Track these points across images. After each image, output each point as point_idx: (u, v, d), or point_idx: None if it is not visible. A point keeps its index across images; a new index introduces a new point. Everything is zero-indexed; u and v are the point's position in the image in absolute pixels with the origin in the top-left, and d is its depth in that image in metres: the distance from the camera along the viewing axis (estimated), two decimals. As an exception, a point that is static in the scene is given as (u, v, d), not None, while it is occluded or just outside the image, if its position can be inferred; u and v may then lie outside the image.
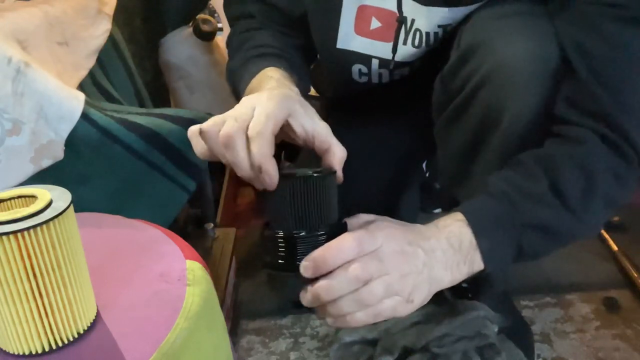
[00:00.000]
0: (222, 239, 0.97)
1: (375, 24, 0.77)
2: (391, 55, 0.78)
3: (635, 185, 0.65)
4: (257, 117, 0.53)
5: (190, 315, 0.43)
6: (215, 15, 1.24)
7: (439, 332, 0.78)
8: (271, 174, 0.52)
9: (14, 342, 0.39)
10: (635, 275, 1.02)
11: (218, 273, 0.89)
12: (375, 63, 0.81)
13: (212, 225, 0.96)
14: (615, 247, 1.10)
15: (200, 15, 1.16)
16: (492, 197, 0.62)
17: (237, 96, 0.75)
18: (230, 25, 0.86)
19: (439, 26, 0.75)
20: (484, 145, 0.70)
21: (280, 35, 0.81)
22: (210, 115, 0.81)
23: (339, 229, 0.55)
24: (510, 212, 0.61)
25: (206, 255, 0.93)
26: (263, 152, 0.52)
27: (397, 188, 0.96)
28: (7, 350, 0.40)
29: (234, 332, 0.94)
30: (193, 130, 0.57)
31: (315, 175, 0.53)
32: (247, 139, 0.53)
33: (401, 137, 0.92)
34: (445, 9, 0.73)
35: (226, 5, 0.87)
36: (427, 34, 0.75)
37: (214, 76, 1.17)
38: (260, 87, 0.66)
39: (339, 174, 0.57)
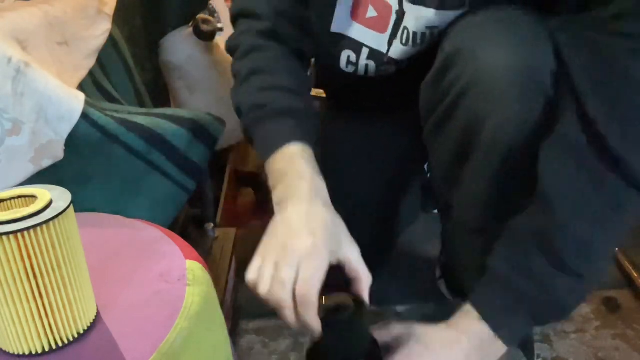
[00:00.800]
0: (222, 239, 0.97)
1: (371, 12, 0.77)
2: (386, 48, 0.78)
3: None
4: (305, 281, 0.59)
5: (190, 315, 0.43)
6: (215, 15, 1.24)
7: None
8: (315, 331, 0.60)
9: (14, 342, 0.39)
10: (635, 275, 1.02)
11: (218, 273, 0.89)
12: (365, 52, 0.80)
13: (212, 225, 0.96)
14: (615, 247, 1.10)
15: (200, 15, 1.16)
16: (498, 284, 0.66)
17: (251, 143, 0.77)
18: (233, 20, 0.84)
19: (427, 27, 0.74)
20: (470, 153, 0.70)
21: (287, 55, 0.79)
22: (211, 115, 0.82)
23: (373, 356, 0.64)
24: (519, 298, 0.65)
25: (206, 255, 0.93)
26: (309, 317, 0.59)
27: (397, 188, 0.96)
28: (7, 350, 0.40)
29: (234, 332, 0.94)
30: (249, 283, 0.64)
31: (351, 319, 0.62)
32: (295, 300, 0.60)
33: (402, 139, 0.92)
34: (432, 11, 0.72)
35: None
36: (415, 33, 0.75)
37: (214, 76, 1.17)
38: (291, 187, 0.68)
39: (366, 300, 0.63)
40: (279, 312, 0.61)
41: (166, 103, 1.20)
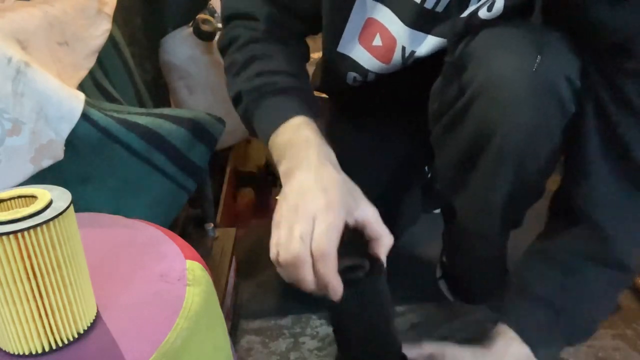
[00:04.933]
0: (222, 239, 0.97)
1: (377, 41, 0.76)
2: (388, 72, 0.78)
3: None
4: (320, 235, 0.56)
5: (190, 315, 0.43)
6: (215, 15, 1.24)
7: (438, 334, 0.79)
8: (336, 290, 0.57)
9: (14, 342, 0.39)
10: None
11: (218, 273, 0.89)
12: (371, 76, 0.80)
13: (212, 225, 0.96)
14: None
15: (200, 15, 1.16)
16: (536, 304, 0.68)
17: (252, 130, 0.75)
18: (225, 20, 0.81)
19: (433, 52, 0.75)
20: (479, 158, 0.69)
21: (286, 48, 0.77)
22: (211, 115, 0.82)
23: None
24: (556, 318, 0.67)
25: (206, 255, 0.92)
26: (328, 272, 0.56)
27: (398, 189, 0.96)
28: (7, 350, 0.40)
29: (234, 332, 0.94)
30: (272, 259, 0.60)
31: (368, 278, 0.60)
32: (312, 257, 0.57)
33: (404, 140, 0.92)
34: (437, 39, 0.72)
35: None
36: (421, 57, 0.76)
37: (214, 76, 1.17)
38: (299, 154, 0.66)
39: (384, 262, 0.60)
40: (298, 273, 0.57)
41: (166, 103, 1.20)
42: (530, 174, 0.68)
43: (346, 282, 0.57)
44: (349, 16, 0.75)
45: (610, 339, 0.91)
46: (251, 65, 0.75)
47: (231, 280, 0.94)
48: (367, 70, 0.79)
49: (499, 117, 0.64)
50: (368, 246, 0.61)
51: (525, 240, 0.78)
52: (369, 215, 0.60)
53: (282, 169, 0.67)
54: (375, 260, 0.60)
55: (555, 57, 0.63)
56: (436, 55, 0.74)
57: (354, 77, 0.82)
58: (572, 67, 0.64)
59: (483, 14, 0.66)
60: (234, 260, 0.98)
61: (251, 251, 1.15)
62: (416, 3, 0.71)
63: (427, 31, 0.72)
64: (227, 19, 0.81)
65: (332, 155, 0.66)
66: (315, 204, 0.58)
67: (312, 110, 0.71)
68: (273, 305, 1.00)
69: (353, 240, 0.60)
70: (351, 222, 0.59)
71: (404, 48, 0.75)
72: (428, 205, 1.20)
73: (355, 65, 0.80)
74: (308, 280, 0.57)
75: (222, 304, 0.82)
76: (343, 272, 0.58)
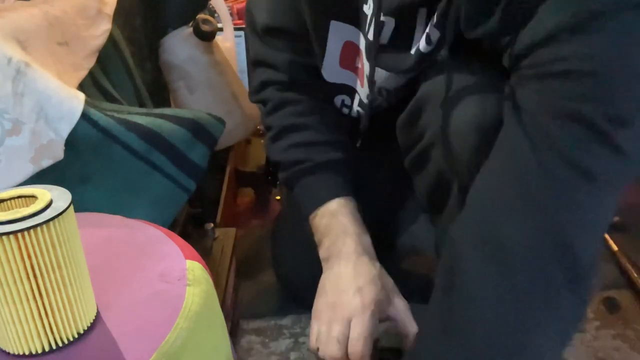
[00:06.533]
0: (222, 239, 0.97)
1: (358, 63, 0.77)
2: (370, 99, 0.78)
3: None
4: (357, 340, 0.62)
5: (190, 315, 0.43)
6: (215, 15, 1.24)
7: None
8: None
9: (14, 342, 0.39)
10: (635, 275, 1.01)
11: (218, 273, 0.89)
12: (357, 98, 0.81)
13: (212, 225, 0.96)
14: (615, 247, 1.10)
15: (200, 15, 1.16)
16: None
17: (295, 196, 0.79)
18: (252, 64, 0.84)
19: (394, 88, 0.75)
20: (446, 195, 0.70)
21: (316, 108, 0.79)
22: (211, 115, 0.82)
23: None
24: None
25: (206, 255, 0.92)
26: None
27: (398, 189, 0.96)
28: (7, 350, 0.40)
29: (234, 332, 0.94)
30: (312, 348, 0.68)
31: None
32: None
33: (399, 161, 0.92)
34: (390, 74, 0.73)
35: (247, 39, 0.85)
36: (387, 90, 0.76)
37: (214, 76, 1.17)
38: (337, 244, 0.70)
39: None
40: None
41: (166, 103, 1.19)
42: None
43: None
44: (326, 41, 0.76)
45: (610, 339, 0.91)
46: (286, 135, 0.78)
47: (231, 280, 0.94)
48: (355, 90, 0.80)
49: (455, 166, 0.65)
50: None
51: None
52: (399, 312, 0.65)
53: (321, 254, 0.72)
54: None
55: (488, 98, 0.62)
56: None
57: (342, 101, 0.82)
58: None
59: (424, 48, 0.66)
60: (234, 260, 0.98)
61: (251, 251, 1.15)
62: (365, 33, 0.71)
63: (382, 66, 0.72)
64: (252, 63, 0.84)
65: (369, 246, 0.71)
66: (352, 306, 0.63)
67: (349, 182, 0.75)
68: (273, 305, 1.00)
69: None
70: (384, 317, 0.65)
71: (367, 76, 0.75)
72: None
73: (342, 87, 0.80)
74: None
75: (222, 304, 0.82)
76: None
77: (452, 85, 0.64)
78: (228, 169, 1.27)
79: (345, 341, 0.63)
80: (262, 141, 1.12)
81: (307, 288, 0.76)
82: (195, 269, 0.49)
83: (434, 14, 0.64)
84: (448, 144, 0.64)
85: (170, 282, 0.46)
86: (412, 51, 0.68)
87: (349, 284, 0.66)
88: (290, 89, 0.80)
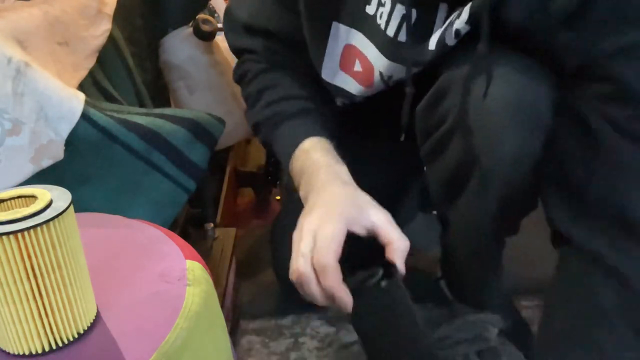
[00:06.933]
0: (222, 239, 0.97)
1: (357, 66, 0.77)
2: (374, 93, 0.79)
3: None
4: (319, 248, 0.57)
5: (190, 315, 0.43)
6: (215, 15, 1.24)
7: (438, 334, 0.78)
8: (344, 301, 0.57)
9: (14, 342, 0.39)
10: (635, 275, 1.01)
11: (218, 273, 0.89)
12: (358, 98, 0.81)
13: (212, 225, 0.96)
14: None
15: (200, 15, 1.16)
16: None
17: (274, 154, 0.77)
18: (235, 54, 0.86)
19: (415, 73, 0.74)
20: (465, 181, 0.69)
21: (293, 74, 0.80)
22: (211, 115, 0.82)
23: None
24: None
25: (206, 255, 0.92)
26: (331, 284, 0.56)
27: (396, 188, 0.96)
28: (7, 350, 0.40)
29: (234, 332, 0.94)
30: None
31: (381, 284, 0.59)
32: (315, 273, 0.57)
33: (403, 144, 0.92)
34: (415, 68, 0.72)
35: (226, 34, 0.86)
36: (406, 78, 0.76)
37: (214, 76, 1.17)
38: (310, 180, 0.67)
39: (401, 267, 0.59)
40: (305, 289, 0.59)
41: (166, 103, 1.19)
42: (519, 192, 0.68)
43: (360, 292, 0.58)
44: (326, 44, 0.76)
45: (610, 339, 0.91)
46: (262, 96, 0.78)
47: (231, 280, 0.94)
48: (353, 95, 0.80)
49: (481, 148, 0.64)
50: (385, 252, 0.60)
51: (526, 238, 0.78)
52: (378, 221, 0.60)
53: (301, 196, 0.69)
54: (391, 266, 0.59)
55: (531, 77, 0.63)
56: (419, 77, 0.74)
57: (342, 101, 0.83)
58: (548, 83, 0.64)
59: (451, 41, 0.66)
60: (234, 260, 0.98)
61: (251, 251, 1.15)
62: (382, 30, 0.71)
63: (400, 62, 0.72)
64: (235, 52, 0.86)
65: (342, 171, 0.68)
66: (315, 221, 0.60)
67: (324, 127, 0.73)
68: (273, 305, 1.00)
69: (373, 251, 0.60)
70: (361, 231, 0.60)
71: (381, 73, 0.75)
72: (427, 206, 1.20)
73: (340, 91, 0.80)
74: (316, 295, 0.58)
75: (222, 304, 0.82)
76: (356, 282, 0.58)
77: (481, 69, 0.64)
78: (228, 169, 1.27)
79: (309, 255, 0.58)
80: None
81: None
82: (195, 269, 0.49)
83: (455, 8, 0.64)
84: (475, 123, 0.64)
85: (170, 282, 0.46)
86: (432, 44, 0.68)
87: (315, 205, 0.63)
88: (270, 64, 0.80)
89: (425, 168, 0.80)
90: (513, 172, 0.65)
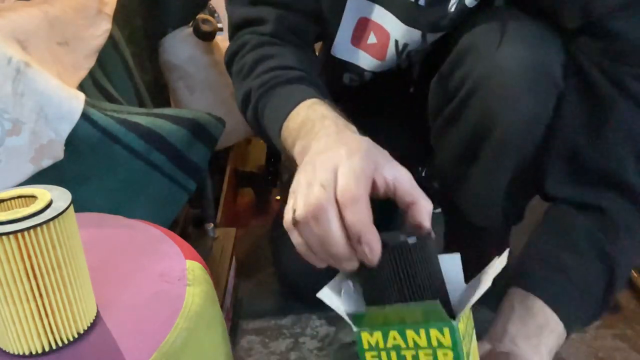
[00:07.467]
0: (222, 239, 0.97)
1: (371, 39, 0.77)
2: (384, 69, 0.79)
3: None
4: (346, 179, 0.45)
5: (190, 315, 0.43)
6: (215, 15, 1.24)
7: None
8: (373, 246, 0.45)
9: (14, 342, 0.39)
10: (635, 275, 1.01)
11: (218, 273, 0.89)
12: (368, 75, 0.80)
13: (212, 225, 0.96)
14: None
15: (200, 15, 1.16)
16: (568, 281, 0.65)
17: (262, 129, 0.68)
18: (232, 35, 0.79)
19: (431, 44, 0.75)
20: (480, 149, 0.70)
21: (296, 50, 0.74)
22: (211, 115, 0.82)
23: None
24: (585, 293, 0.65)
25: (206, 255, 0.92)
26: (362, 220, 0.44)
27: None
28: (7, 350, 0.40)
29: (234, 332, 0.94)
30: (287, 224, 0.50)
31: (416, 242, 0.46)
32: (339, 206, 0.45)
33: (399, 139, 0.92)
34: (433, 35, 0.72)
35: (228, 5, 0.80)
36: (419, 51, 0.76)
37: (214, 76, 1.17)
38: (314, 128, 0.56)
39: (429, 229, 0.49)
40: (320, 226, 0.45)
41: (166, 103, 1.20)
42: (530, 159, 0.69)
43: (386, 246, 0.46)
44: (341, 18, 0.75)
45: (610, 339, 0.91)
46: (261, 64, 0.70)
47: (231, 280, 0.94)
48: (363, 70, 0.79)
49: (500, 108, 0.65)
50: (404, 222, 0.50)
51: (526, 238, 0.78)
52: (401, 175, 0.49)
53: (297, 150, 0.57)
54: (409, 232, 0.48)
55: (546, 40, 0.64)
56: (427, 58, 0.74)
57: (350, 78, 0.82)
58: (558, 43, 0.65)
59: (470, 2, 0.67)
60: (234, 260, 0.98)
61: (251, 251, 1.15)
62: None
63: (419, 27, 0.72)
64: (235, 28, 0.78)
65: (352, 126, 0.58)
66: (337, 156, 0.48)
67: (325, 96, 0.66)
68: (273, 305, 1.00)
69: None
70: (381, 182, 0.47)
71: (397, 42, 0.75)
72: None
73: (350, 66, 0.80)
74: (335, 233, 0.45)
75: (222, 304, 0.82)
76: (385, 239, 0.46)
77: (498, 32, 0.65)
78: (228, 169, 1.27)
79: (331, 186, 0.45)
80: (263, 141, 1.12)
81: (307, 287, 0.75)
82: (195, 269, 0.49)
83: None
84: (495, 85, 0.64)
85: (170, 282, 0.46)
86: (452, 5, 0.69)
87: (332, 145, 0.51)
88: (273, 38, 0.74)
89: (433, 153, 0.80)
90: (527, 135, 0.66)
